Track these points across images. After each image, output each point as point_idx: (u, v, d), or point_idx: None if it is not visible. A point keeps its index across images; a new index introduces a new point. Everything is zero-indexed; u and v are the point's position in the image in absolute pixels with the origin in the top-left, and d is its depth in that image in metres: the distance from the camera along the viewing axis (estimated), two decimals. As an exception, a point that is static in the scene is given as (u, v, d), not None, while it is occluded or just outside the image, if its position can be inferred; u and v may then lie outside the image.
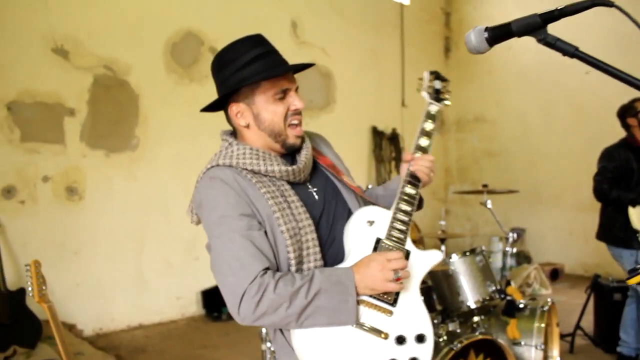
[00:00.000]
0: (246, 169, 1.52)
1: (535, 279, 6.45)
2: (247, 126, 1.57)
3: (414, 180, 1.66)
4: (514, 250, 4.07)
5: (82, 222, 4.81)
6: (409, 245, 1.59)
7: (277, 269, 1.46)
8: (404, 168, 1.70)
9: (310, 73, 6.50)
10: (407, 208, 1.61)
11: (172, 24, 5.41)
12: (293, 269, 1.46)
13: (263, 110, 1.54)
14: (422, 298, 1.57)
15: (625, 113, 3.85)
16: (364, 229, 1.57)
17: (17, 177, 4.46)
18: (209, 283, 5.46)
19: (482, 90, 8.39)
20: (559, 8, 1.04)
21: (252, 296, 1.35)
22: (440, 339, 2.66)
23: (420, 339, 1.51)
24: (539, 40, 1.07)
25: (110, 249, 4.98)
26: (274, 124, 1.55)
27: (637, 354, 3.83)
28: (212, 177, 1.51)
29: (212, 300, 5.41)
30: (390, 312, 1.49)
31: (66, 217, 4.72)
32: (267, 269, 1.40)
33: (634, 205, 3.64)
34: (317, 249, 1.51)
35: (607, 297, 4.40)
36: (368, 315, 1.46)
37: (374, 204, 1.68)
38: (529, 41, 0.98)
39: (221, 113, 1.65)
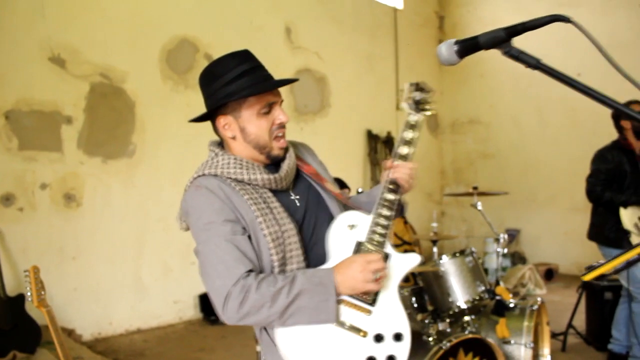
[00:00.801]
0: (230, 178, 1.60)
1: (529, 279, 6.51)
2: (234, 138, 1.65)
3: (393, 186, 1.72)
4: (505, 250, 4.13)
5: (80, 228, 4.86)
6: (389, 248, 1.66)
7: (261, 271, 1.53)
8: (385, 175, 1.76)
9: (305, 78, 6.58)
10: (387, 213, 1.68)
11: (167, 31, 5.48)
12: (276, 271, 1.53)
13: (249, 124, 1.62)
14: (401, 298, 1.64)
15: (619, 115, 3.89)
16: (345, 232, 1.65)
17: (16, 184, 4.52)
18: (207, 287, 5.52)
19: (476, 93, 8.48)
20: (521, 23, 1.10)
21: (236, 297, 1.43)
22: (430, 339, 2.72)
23: (397, 337, 1.57)
24: (504, 53, 1.13)
25: (109, 254, 5.03)
26: (259, 137, 1.63)
27: (627, 351, 3.89)
28: (198, 186, 1.60)
29: (210, 304, 5.42)
30: (369, 312, 1.56)
31: (64, 224, 4.78)
32: (250, 271, 1.47)
33: (625, 207, 3.70)
34: (300, 251, 1.58)
35: (598, 296, 4.47)
36: (348, 314, 1.53)
37: (355, 209, 1.75)
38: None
39: None
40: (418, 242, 7.12)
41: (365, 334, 1.53)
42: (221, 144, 1.74)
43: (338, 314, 1.50)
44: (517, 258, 7.49)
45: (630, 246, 3.63)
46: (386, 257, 1.64)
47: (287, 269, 1.55)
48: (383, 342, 1.55)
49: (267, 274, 1.51)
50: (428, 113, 1.84)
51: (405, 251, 6.82)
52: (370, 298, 1.57)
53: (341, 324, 1.51)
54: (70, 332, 4.69)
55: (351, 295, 1.54)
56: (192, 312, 5.58)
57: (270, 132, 1.63)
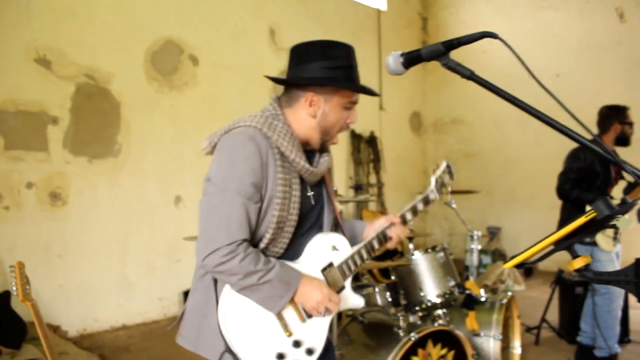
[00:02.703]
0: (278, 148, 1.69)
1: (508, 275, 6.67)
2: (313, 116, 1.76)
3: (383, 239, 1.93)
4: (480, 247, 4.29)
5: (66, 227, 4.94)
6: (348, 282, 1.87)
7: (251, 240, 1.66)
8: (382, 223, 1.92)
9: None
10: (365, 256, 1.90)
11: (152, 33, 5.56)
12: (262, 245, 1.68)
13: (333, 112, 1.76)
14: (331, 320, 1.85)
15: (613, 116, 3.98)
16: (327, 249, 1.83)
17: (2, 183, 4.58)
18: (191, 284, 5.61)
19: (459, 93, 8.62)
20: (457, 38, 1.23)
21: (222, 256, 1.56)
22: (400, 331, 2.85)
23: (310, 351, 1.74)
24: (443, 65, 1.26)
25: (94, 252, 5.11)
26: (333, 126, 1.78)
27: (594, 343, 4.04)
28: (251, 138, 1.65)
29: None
30: (304, 320, 1.74)
31: (50, 222, 4.85)
32: (246, 240, 1.61)
33: (591, 205, 3.83)
34: (287, 241, 1.73)
35: (569, 291, 4.64)
36: (287, 312, 1.70)
37: (344, 232, 1.93)
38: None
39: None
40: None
41: (290, 335, 1.69)
42: (280, 101, 1.82)
43: (283, 309, 1.68)
44: (498, 255, 7.64)
45: (593, 244, 3.80)
46: (341, 288, 1.85)
47: (270, 248, 1.70)
48: (298, 348, 1.71)
49: (254, 250, 1.63)
50: (441, 196, 2.01)
51: (387, 249, 6.99)
52: None
53: (278, 316, 1.68)
54: (55, 329, 4.76)
55: None
56: (176, 308, 5.68)
57: (341, 126, 1.79)
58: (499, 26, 7.96)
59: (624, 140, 4.01)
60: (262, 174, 1.63)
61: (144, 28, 5.50)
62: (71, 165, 4.99)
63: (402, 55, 1.31)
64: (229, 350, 1.63)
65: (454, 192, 4.16)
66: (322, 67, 1.71)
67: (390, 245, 1.94)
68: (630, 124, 4.02)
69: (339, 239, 1.86)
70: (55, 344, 3.73)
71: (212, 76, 5.95)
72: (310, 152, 1.83)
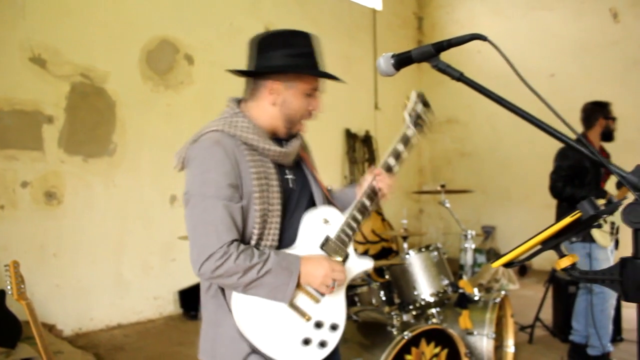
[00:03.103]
0: (246, 143, 1.70)
1: (503, 274, 6.70)
2: (273, 104, 1.76)
3: (373, 194, 1.87)
4: (474, 246, 4.31)
5: (61, 226, 4.95)
6: (350, 248, 1.84)
7: (242, 239, 1.66)
8: (369, 180, 1.88)
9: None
10: (359, 217, 1.84)
11: (148, 32, 5.57)
12: (253, 242, 1.67)
13: (294, 98, 1.75)
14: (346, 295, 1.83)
15: (597, 111, 4.03)
16: (319, 225, 1.80)
17: (-3, 183, 4.60)
18: (186, 283, 5.63)
19: (454, 93, 8.58)
20: (447, 40, 1.24)
21: (216, 260, 1.56)
22: (394, 329, 2.86)
23: (334, 327, 1.75)
24: (433, 66, 1.27)
25: (90, 251, 5.12)
26: (296, 113, 1.77)
27: (586, 341, 4.07)
28: (217, 141, 1.66)
29: (189, 299, 5.58)
30: (318, 300, 1.73)
31: (45, 221, 4.85)
32: (235, 240, 1.61)
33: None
34: (277, 232, 1.72)
35: (563, 290, 4.66)
36: (300, 298, 1.70)
37: (334, 204, 1.90)
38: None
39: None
40: (396, 238, 7.28)
41: (308, 319, 1.70)
42: (239, 102, 1.82)
43: (293, 296, 1.66)
44: (493, 254, 7.67)
45: (591, 240, 3.83)
46: (346, 257, 1.82)
47: (262, 243, 1.69)
48: (321, 328, 1.72)
49: (247, 246, 1.63)
50: (423, 130, 1.91)
51: (383, 248, 6.93)
52: None
53: (291, 305, 1.68)
54: (51, 328, 4.76)
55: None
56: (171, 307, 5.69)
57: (304, 114, 1.79)
58: (494, 26, 7.99)
59: (608, 135, 4.07)
60: (236, 173, 1.64)
61: (139, 27, 5.50)
62: (66, 164, 4.99)
63: (393, 56, 1.32)
64: (254, 351, 1.64)
65: (448, 192, 4.18)
66: (283, 55, 1.71)
67: (382, 196, 1.88)
68: (614, 119, 4.07)
69: (328, 211, 1.83)
70: (51, 343, 3.72)
71: (207, 75, 5.96)
72: (280, 140, 1.82)
